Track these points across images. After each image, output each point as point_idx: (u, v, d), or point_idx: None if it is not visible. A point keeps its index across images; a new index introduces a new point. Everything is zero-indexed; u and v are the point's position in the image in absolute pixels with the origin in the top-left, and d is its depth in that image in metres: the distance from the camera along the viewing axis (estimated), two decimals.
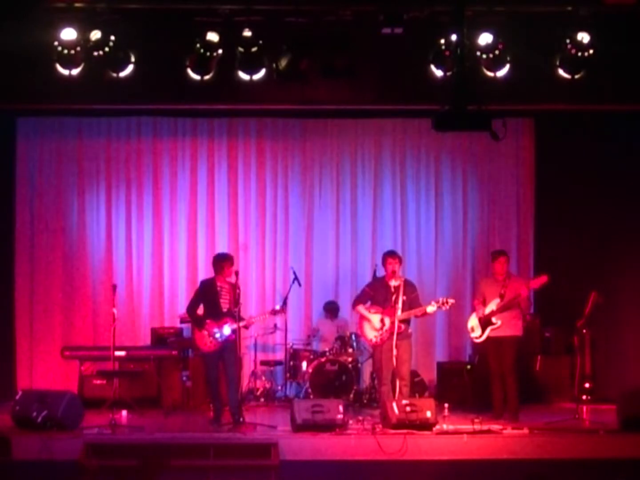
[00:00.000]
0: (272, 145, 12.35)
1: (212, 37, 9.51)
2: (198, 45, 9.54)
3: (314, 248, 12.35)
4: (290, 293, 11.72)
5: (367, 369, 11.45)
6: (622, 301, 11.35)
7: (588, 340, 10.85)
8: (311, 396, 10.63)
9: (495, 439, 8.91)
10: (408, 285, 9.74)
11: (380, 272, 10.24)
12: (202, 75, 9.75)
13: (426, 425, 8.98)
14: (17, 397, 9.42)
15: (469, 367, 11.34)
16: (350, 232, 12.38)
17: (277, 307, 10.40)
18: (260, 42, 9.56)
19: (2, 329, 11.75)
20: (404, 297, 9.58)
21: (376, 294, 9.82)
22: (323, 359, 11.03)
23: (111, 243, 12.19)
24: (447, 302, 9.53)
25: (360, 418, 9.43)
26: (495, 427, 9.16)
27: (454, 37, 9.18)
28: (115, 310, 9.69)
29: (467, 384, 11.11)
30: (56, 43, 9.43)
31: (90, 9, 9.47)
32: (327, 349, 11.27)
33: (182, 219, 12.28)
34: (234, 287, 9.59)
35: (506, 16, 9.63)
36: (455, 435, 8.90)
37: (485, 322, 9.78)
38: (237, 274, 9.62)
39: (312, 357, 11.28)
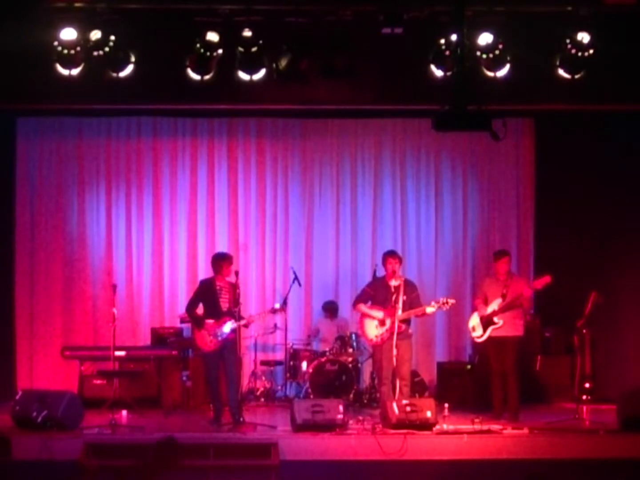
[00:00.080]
0: (272, 145, 12.35)
1: (212, 37, 9.51)
2: (198, 45, 9.54)
3: (314, 248, 12.36)
4: (290, 293, 11.72)
5: (367, 369, 11.46)
6: (622, 301, 11.36)
7: (588, 340, 10.84)
8: (311, 396, 10.63)
9: (495, 439, 8.90)
10: (408, 285, 9.74)
11: (380, 272, 10.24)
12: (202, 75, 9.75)
13: (426, 425, 8.98)
14: (17, 397, 9.42)
15: (469, 367, 11.35)
16: (350, 232, 12.38)
17: (277, 306, 10.39)
18: (260, 42, 9.55)
19: (2, 329, 11.75)
20: (404, 297, 9.58)
21: (376, 293, 9.82)
22: (323, 359, 11.03)
23: (111, 243, 12.19)
24: (447, 303, 9.53)
25: (360, 418, 9.43)
26: (495, 427, 9.16)
27: (454, 37, 9.18)
28: (115, 310, 9.70)
29: (467, 384, 11.11)
30: (56, 43, 9.43)
31: (90, 9, 9.47)
32: (327, 349, 11.27)
33: (182, 219, 12.28)
34: (234, 287, 9.58)
35: (506, 16, 9.63)
36: (455, 435, 8.90)
37: (486, 322, 9.78)
38: (237, 273, 9.63)
39: (312, 357, 11.28)
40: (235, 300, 9.54)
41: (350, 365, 11.04)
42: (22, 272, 12.00)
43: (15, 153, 12.02)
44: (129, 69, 9.72)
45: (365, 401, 11.01)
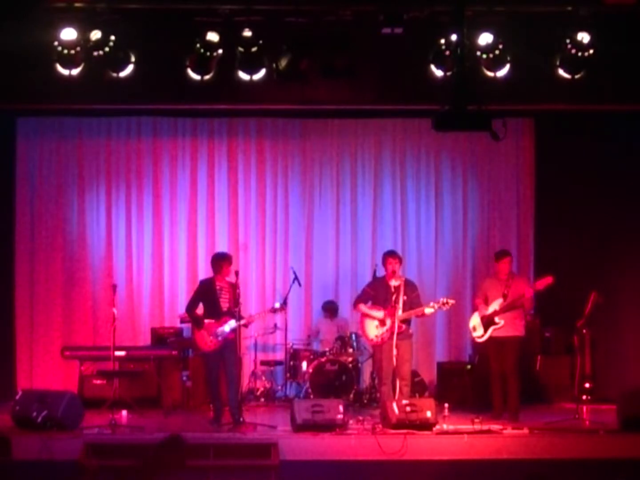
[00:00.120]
0: (272, 145, 12.35)
1: (212, 37, 9.51)
2: (198, 45, 9.54)
3: (314, 248, 12.36)
4: (290, 293, 11.72)
5: (367, 369, 11.46)
6: (622, 301, 11.36)
7: (588, 340, 10.85)
8: (311, 396, 10.63)
9: (495, 439, 8.90)
10: (408, 285, 9.74)
11: (381, 272, 10.24)
12: (202, 75, 9.75)
13: (426, 425, 8.97)
14: (17, 397, 9.42)
15: (469, 367, 11.35)
16: (350, 232, 12.38)
17: (277, 305, 10.38)
18: (260, 42, 9.55)
19: (2, 329, 11.76)
20: (405, 297, 9.58)
21: (377, 293, 9.82)
22: (323, 359, 11.03)
23: (111, 243, 12.19)
24: (447, 303, 9.53)
25: (360, 418, 9.42)
26: (495, 427, 9.15)
27: (454, 37, 9.18)
28: (115, 310, 9.70)
29: (467, 384, 11.11)
30: (56, 43, 9.43)
31: (90, 9, 9.47)
32: (327, 349, 11.27)
33: (182, 219, 12.28)
34: (234, 287, 9.58)
35: (506, 16, 9.63)
36: (455, 435, 8.90)
37: (487, 322, 9.78)
38: (237, 273, 9.62)
39: (312, 357, 11.28)
40: (235, 300, 9.53)
41: (350, 365, 11.04)
42: (22, 272, 12.00)
43: (15, 153, 12.02)
44: (129, 69, 9.72)
45: (365, 401, 11.01)
